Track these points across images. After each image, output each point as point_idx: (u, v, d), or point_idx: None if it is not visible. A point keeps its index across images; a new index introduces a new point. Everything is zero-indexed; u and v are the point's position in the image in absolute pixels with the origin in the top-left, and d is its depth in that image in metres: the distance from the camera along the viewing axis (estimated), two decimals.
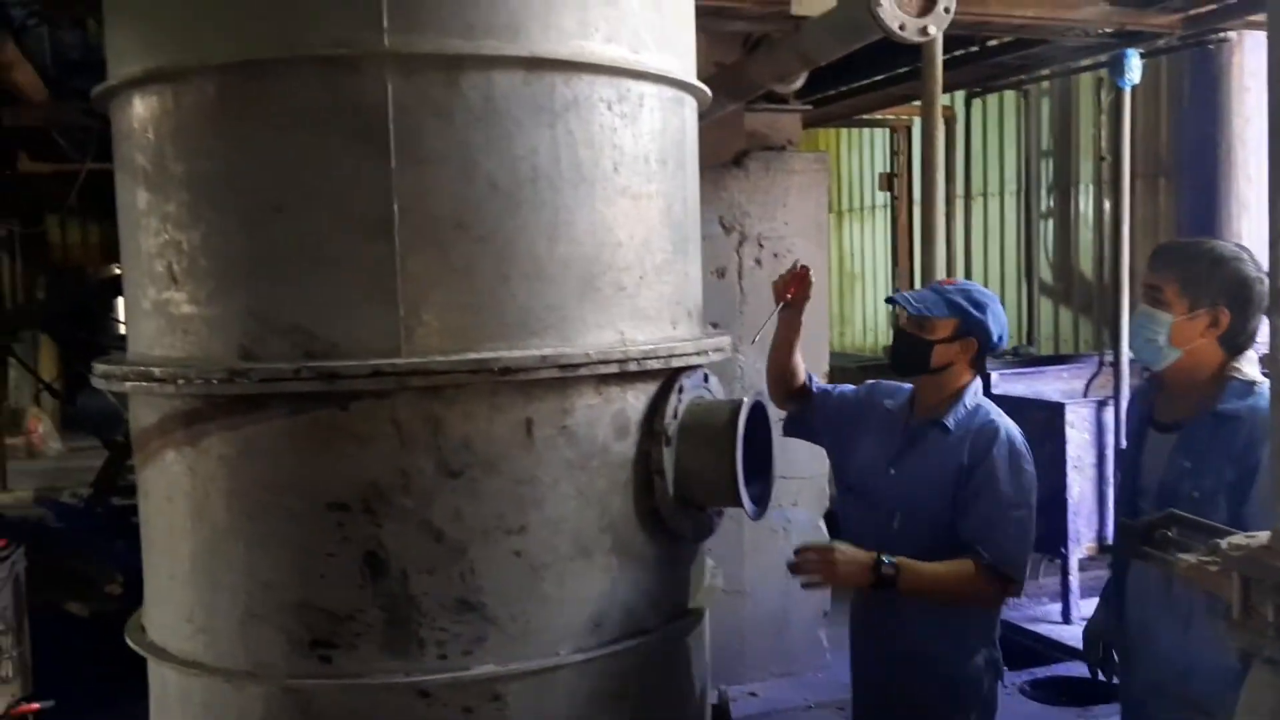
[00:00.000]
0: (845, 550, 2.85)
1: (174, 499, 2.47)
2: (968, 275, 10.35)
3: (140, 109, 2.42)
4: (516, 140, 2.33)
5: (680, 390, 2.57)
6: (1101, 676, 3.13)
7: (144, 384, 2.40)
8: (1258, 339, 2.65)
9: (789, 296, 3.16)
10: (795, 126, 5.94)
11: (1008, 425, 2.99)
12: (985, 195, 11.08)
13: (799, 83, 5.42)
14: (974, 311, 2.97)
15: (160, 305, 2.42)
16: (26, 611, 4.00)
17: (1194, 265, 2.77)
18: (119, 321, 13.48)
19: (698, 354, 2.62)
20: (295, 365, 2.24)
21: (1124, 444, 3.20)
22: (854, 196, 13.89)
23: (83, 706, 4.64)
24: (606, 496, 2.46)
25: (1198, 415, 2.76)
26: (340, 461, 2.29)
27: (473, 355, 2.29)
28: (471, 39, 2.27)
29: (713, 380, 2.75)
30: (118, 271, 11.06)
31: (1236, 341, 2.77)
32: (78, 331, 11.20)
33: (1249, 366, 2.77)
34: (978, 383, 3.07)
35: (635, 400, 2.50)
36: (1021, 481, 2.94)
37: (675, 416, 2.54)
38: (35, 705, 3.88)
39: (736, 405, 2.54)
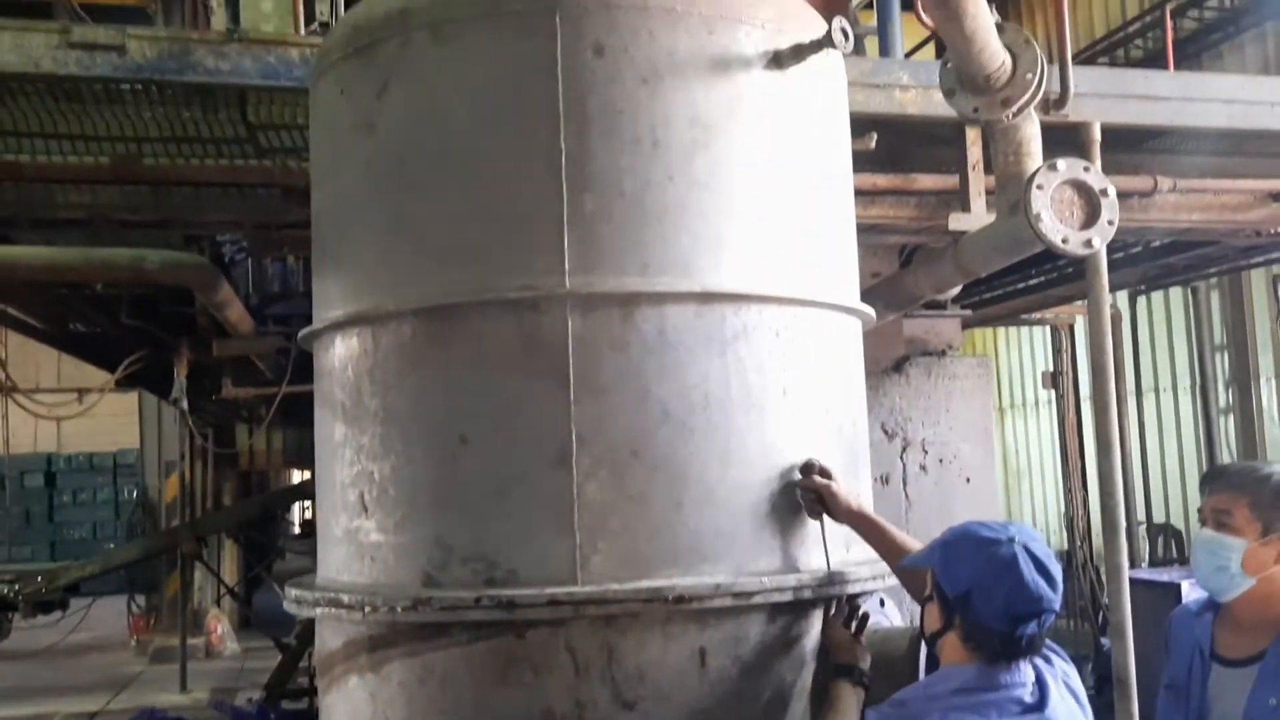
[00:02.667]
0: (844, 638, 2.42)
1: None
2: (1145, 473, 9.86)
3: (341, 349, 2.61)
4: (688, 369, 2.40)
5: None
6: None
7: (333, 610, 2.50)
8: None
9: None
10: (955, 331, 5.92)
11: None
12: (1157, 390, 10.65)
13: (957, 289, 5.44)
14: (933, 553, 2.14)
15: (351, 533, 2.53)
16: None
17: (1264, 486, 2.55)
18: (293, 523, 14.10)
19: (873, 579, 2.56)
20: (476, 594, 2.30)
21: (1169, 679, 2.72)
22: (1016, 392, 13.59)
23: None
24: None
25: None
26: (517, 690, 2.30)
27: (646, 584, 2.30)
28: (646, 276, 2.40)
29: (888, 604, 2.68)
30: (297, 478, 11.66)
31: None
32: (259, 535, 11.74)
33: None
34: (963, 674, 2.04)
35: (810, 628, 2.45)
36: None
37: None
38: None
39: (916, 634, 2.45)
